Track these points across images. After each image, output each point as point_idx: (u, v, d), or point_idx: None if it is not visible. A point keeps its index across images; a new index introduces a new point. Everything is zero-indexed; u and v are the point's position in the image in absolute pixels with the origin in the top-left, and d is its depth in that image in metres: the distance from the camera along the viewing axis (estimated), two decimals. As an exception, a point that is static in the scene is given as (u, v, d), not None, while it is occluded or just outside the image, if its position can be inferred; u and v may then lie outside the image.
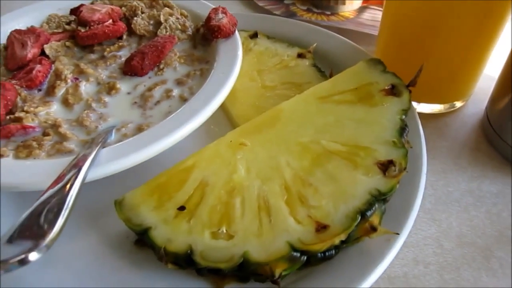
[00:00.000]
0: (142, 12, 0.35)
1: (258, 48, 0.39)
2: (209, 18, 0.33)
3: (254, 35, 0.40)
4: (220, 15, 0.32)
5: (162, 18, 0.34)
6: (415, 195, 0.27)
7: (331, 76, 0.36)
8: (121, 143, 0.25)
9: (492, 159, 0.34)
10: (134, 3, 0.35)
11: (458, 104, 0.37)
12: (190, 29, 0.34)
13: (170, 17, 0.34)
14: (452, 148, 0.35)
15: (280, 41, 0.39)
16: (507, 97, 0.33)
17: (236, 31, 0.33)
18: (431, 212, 0.30)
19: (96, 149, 0.24)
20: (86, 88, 0.31)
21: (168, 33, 0.33)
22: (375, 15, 0.49)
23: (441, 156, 0.34)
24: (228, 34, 0.32)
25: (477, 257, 0.28)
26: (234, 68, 0.30)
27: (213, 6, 0.36)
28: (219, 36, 0.32)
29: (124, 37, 0.34)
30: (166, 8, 0.35)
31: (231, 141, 0.27)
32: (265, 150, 0.27)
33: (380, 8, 0.51)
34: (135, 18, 0.34)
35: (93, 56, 0.33)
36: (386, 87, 0.29)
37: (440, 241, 0.29)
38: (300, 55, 0.38)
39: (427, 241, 0.29)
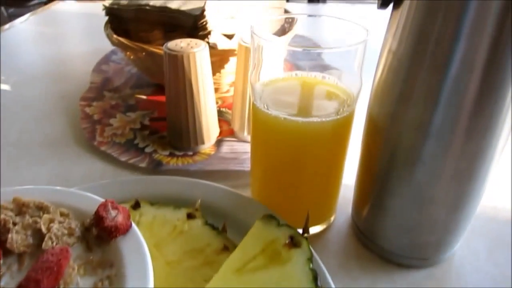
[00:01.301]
0: (14, 224, 0.32)
1: (145, 219, 0.39)
2: (100, 218, 0.31)
3: (136, 205, 0.40)
4: (113, 212, 0.32)
5: (43, 228, 0.31)
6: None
7: (224, 229, 0.38)
8: None
9: (372, 261, 0.40)
10: (2, 216, 0.32)
11: (331, 219, 0.44)
12: (77, 229, 0.32)
13: (52, 224, 0.32)
14: (342, 263, 0.40)
15: (164, 206, 0.40)
16: (367, 206, 0.40)
17: (132, 223, 0.33)
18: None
19: None
20: None
21: (54, 243, 0.31)
22: (232, 146, 0.55)
23: (338, 276, 0.39)
24: (127, 230, 0.32)
25: None
26: (147, 268, 0.29)
27: (90, 195, 0.35)
28: (117, 235, 0.31)
29: (1, 261, 0.30)
30: (45, 215, 0.32)
31: None
32: None
33: (234, 139, 0.56)
34: (9, 234, 0.31)
35: (-36, 298, 0.28)
36: (287, 241, 0.33)
37: None
38: (189, 216, 0.39)
39: None
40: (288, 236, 0.33)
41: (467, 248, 0.41)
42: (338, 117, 0.35)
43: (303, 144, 0.36)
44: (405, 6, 0.29)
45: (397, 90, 0.32)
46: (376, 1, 0.30)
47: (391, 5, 0.32)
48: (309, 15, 0.42)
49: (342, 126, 0.37)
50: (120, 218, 0.32)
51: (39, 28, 1.04)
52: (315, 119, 0.34)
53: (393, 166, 0.35)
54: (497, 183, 0.35)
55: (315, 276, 0.30)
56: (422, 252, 0.39)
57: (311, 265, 0.31)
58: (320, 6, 1.46)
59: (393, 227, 0.38)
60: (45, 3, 1.32)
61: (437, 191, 0.34)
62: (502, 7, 0.25)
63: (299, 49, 0.32)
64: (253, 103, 0.38)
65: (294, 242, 0.33)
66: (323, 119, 0.34)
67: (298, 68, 0.39)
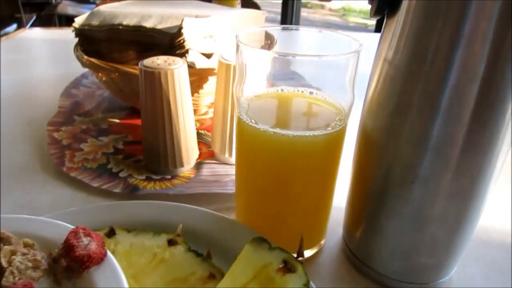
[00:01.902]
0: (-32, 258, 0.27)
1: (122, 247, 0.35)
2: (71, 246, 0.28)
3: (111, 233, 0.36)
4: (85, 240, 0.28)
5: (3, 262, 0.27)
6: None
7: (208, 255, 0.35)
8: None
9: (366, 286, 0.38)
10: (-45, 250, 0.27)
11: (322, 242, 0.41)
12: (44, 261, 0.28)
13: (14, 256, 0.28)
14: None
15: (142, 232, 0.36)
16: (360, 227, 0.38)
17: (107, 251, 0.29)
18: None
19: None
20: None
21: (16, 278, 0.27)
22: (213, 168, 0.52)
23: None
24: (101, 260, 0.28)
25: None
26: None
27: (59, 222, 0.31)
28: (90, 265, 0.27)
29: (-50, 302, 0.26)
30: (6, 247, 0.28)
31: None
32: None
33: (214, 161, 0.54)
34: (-38, 271, 0.27)
35: None
36: (280, 266, 0.30)
37: None
38: (170, 242, 0.35)
39: None
40: (281, 260, 0.30)
41: (463, 273, 0.40)
42: (331, 131, 0.33)
43: (293, 160, 0.34)
44: (401, 13, 0.28)
45: (393, 102, 0.30)
46: (370, 9, 0.29)
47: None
48: (285, 28, 0.41)
49: (335, 141, 0.35)
50: (93, 246, 0.28)
51: (3, 56, 0.99)
52: (306, 133, 0.32)
53: (389, 184, 0.33)
54: (488, 204, 0.33)
55: (313, 304, 0.28)
56: (419, 276, 0.36)
57: (308, 292, 0.29)
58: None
59: (388, 249, 0.36)
60: (9, 34, 1.27)
61: (437, 209, 0.32)
62: (502, 12, 0.24)
63: (290, 56, 0.31)
64: (238, 118, 0.35)
65: (288, 267, 0.30)
66: (315, 133, 0.32)
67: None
